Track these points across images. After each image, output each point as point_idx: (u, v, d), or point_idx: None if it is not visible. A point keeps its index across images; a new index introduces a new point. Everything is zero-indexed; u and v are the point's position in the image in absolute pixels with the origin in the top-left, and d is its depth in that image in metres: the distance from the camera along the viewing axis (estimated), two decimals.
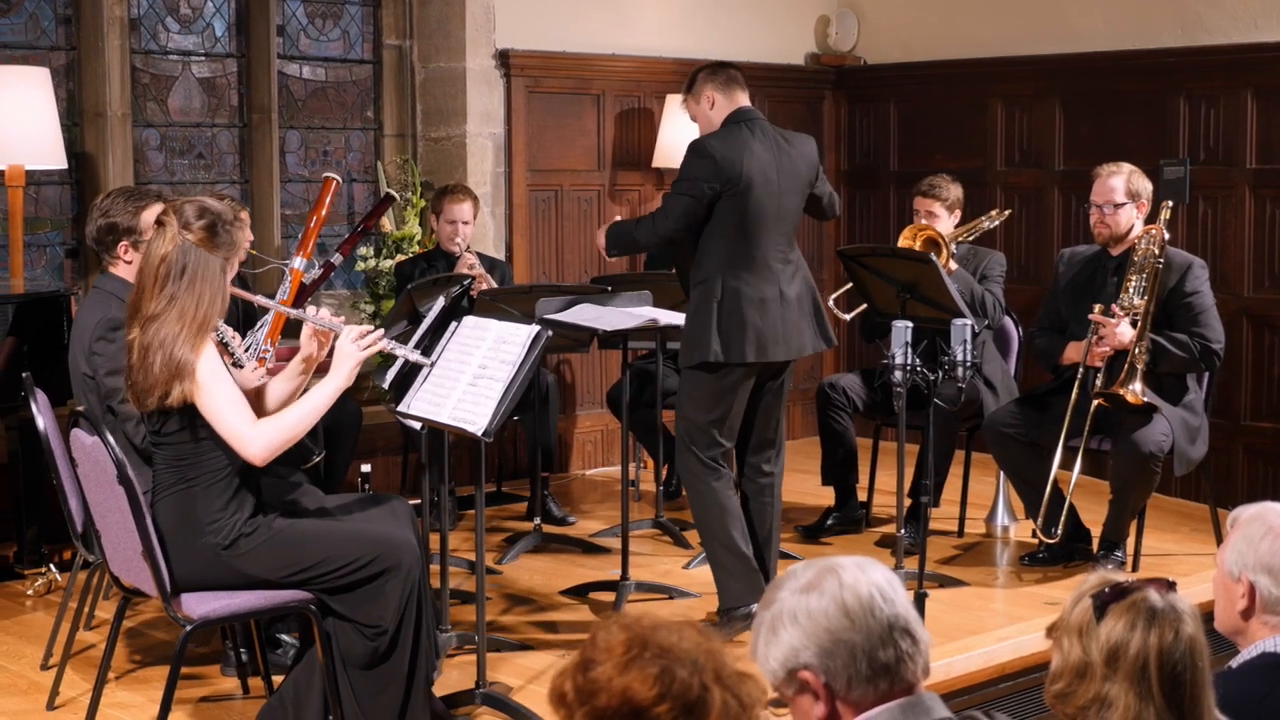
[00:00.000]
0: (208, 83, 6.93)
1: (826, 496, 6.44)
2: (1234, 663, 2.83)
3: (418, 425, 4.61)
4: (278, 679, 4.36)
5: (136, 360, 3.80)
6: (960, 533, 6.34)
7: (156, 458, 3.94)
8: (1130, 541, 5.73)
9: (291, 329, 5.07)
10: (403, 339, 5.07)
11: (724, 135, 4.99)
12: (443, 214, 6.49)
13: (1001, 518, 6.46)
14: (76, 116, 6.51)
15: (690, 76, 5.18)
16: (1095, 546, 5.75)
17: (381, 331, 4.01)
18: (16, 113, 5.81)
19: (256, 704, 4.32)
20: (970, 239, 6.34)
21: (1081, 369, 5.67)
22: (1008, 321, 6.41)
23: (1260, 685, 2.72)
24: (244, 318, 5.23)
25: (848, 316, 6.47)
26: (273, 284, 5.81)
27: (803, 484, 6.94)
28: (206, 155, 6.95)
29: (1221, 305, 5.87)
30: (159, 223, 3.90)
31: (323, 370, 4.07)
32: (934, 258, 5.67)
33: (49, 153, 5.92)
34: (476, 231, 6.85)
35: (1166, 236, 5.67)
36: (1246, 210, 6.87)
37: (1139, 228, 5.75)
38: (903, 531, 5.48)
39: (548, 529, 6.29)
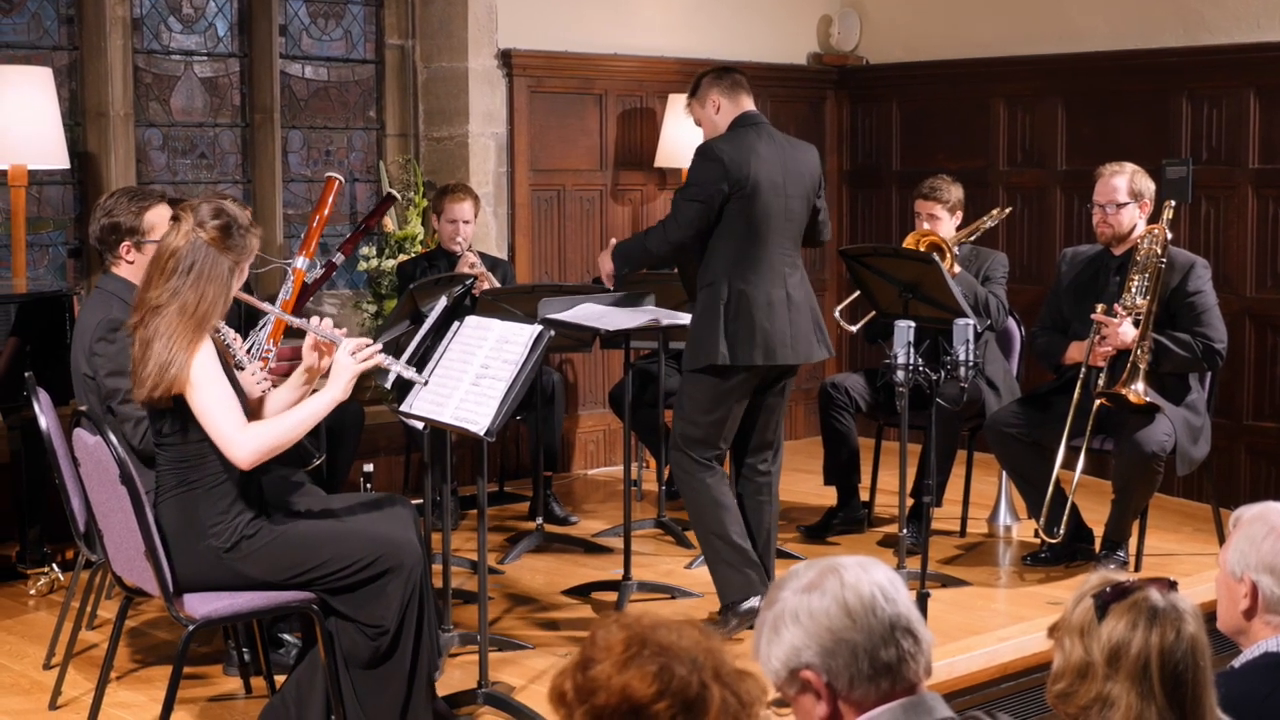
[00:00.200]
0: (210, 82, 6.93)
1: (828, 496, 6.44)
2: (1236, 663, 2.83)
3: (420, 425, 4.61)
4: (280, 679, 4.37)
5: (138, 352, 3.80)
6: (962, 532, 6.34)
7: (158, 459, 3.94)
8: (1132, 541, 5.73)
9: (294, 329, 5.08)
10: (405, 339, 5.08)
11: (731, 138, 4.99)
12: (444, 213, 6.50)
13: (1003, 517, 6.46)
14: (79, 116, 6.52)
15: (695, 80, 5.18)
16: (1097, 546, 5.75)
17: (379, 346, 4.00)
18: (19, 112, 5.81)
19: (259, 704, 4.32)
20: (972, 239, 6.34)
21: (1084, 369, 5.67)
22: (1010, 322, 6.40)
23: (1262, 685, 2.72)
24: (245, 318, 5.23)
25: (854, 328, 6.46)
26: (275, 284, 5.81)
27: (804, 484, 6.94)
28: (209, 155, 6.95)
29: (1224, 305, 5.87)
30: (174, 217, 3.91)
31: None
32: (935, 257, 5.67)
33: (51, 152, 5.92)
34: (479, 231, 6.86)
35: (1169, 236, 5.67)
36: (1249, 210, 6.87)
37: (1141, 227, 5.75)
38: (905, 531, 5.48)
39: (550, 529, 6.29)
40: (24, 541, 5.54)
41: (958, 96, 7.94)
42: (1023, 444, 5.75)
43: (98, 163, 6.50)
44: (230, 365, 4.02)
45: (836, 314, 6.39)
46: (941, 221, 6.20)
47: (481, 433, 4.09)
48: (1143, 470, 5.50)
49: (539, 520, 6.25)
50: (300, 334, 4.15)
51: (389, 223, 7.09)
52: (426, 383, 4.15)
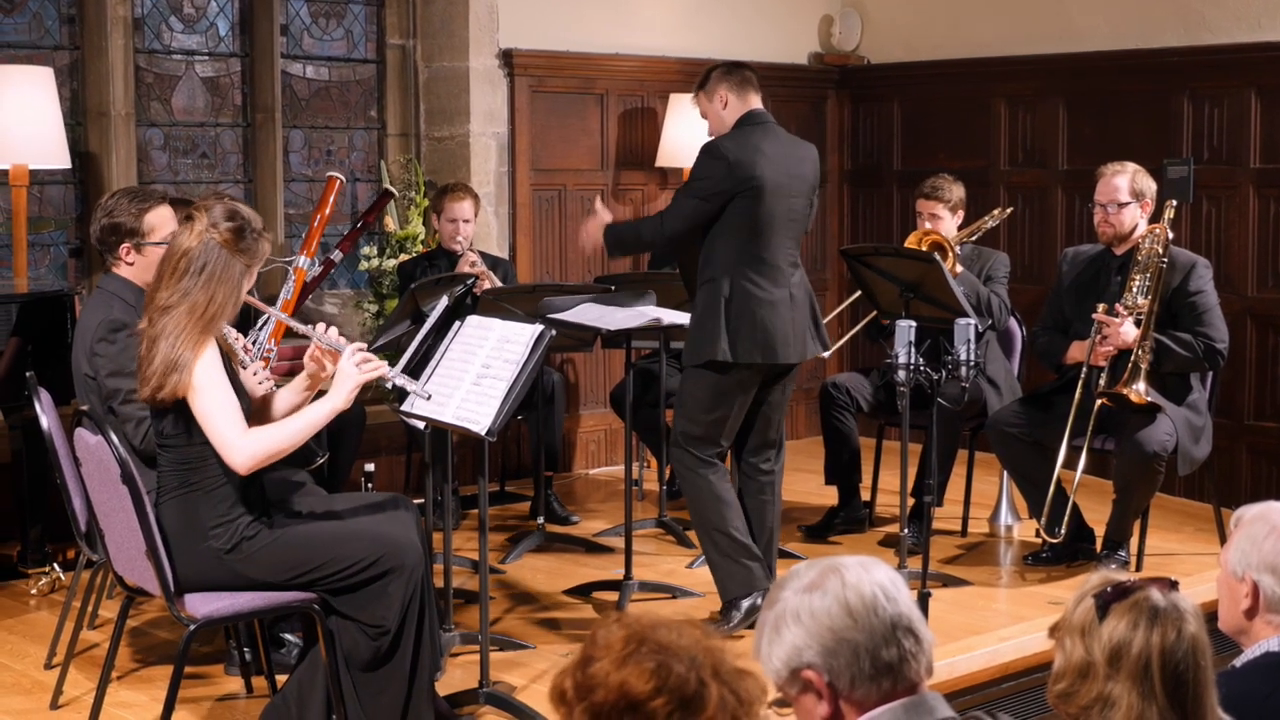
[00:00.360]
0: (211, 82, 6.94)
1: (829, 496, 6.44)
2: (1237, 662, 2.83)
3: (421, 425, 4.61)
4: (281, 678, 4.37)
5: (144, 350, 3.80)
6: (964, 532, 6.34)
7: (159, 460, 3.94)
8: (1133, 541, 5.73)
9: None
10: (406, 339, 5.08)
11: (736, 137, 4.99)
12: (444, 212, 6.50)
13: (1005, 517, 6.46)
14: (80, 116, 6.52)
15: (704, 73, 5.17)
16: (1099, 546, 5.75)
17: (384, 363, 3.99)
18: (20, 112, 5.82)
19: (260, 703, 4.32)
20: (973, 239, 6.34)
21: (1085, 368, 5.67)
22: (1012, 321, 6.40)
23: (1263, 685, 2.72)
24: (246, 316, 5.23)
25: (825, 354, 6.46)
26: (276, 283, 5.81)
27: (806, 484, 6.94)
28: (210, 155, 6.96)
29: (1225, 305, 5.87)
30: (188, 217, 3.91)
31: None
32: (937, 257, 5.67)
33: (53, 152, 5.92)
34: (480, 231, 6.86)
35: (1170, 236, 5.67)
36: (1250, 210, 6.87)
37: (1143, 227, 5.75)
38: (906, 531, 5.48)
39: (551, 528, 6.29)
40: (25, 541, 5.54)
41: (959, 96, 7.94)
42: (1024, 444, 5.75)
43: (99, 162, 6.50)
44: (235, 366, 4.02)
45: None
46: (943, 221, 6.20)
47: (483, 432, 4.09)
48: (1144, 470, 5.50)
49: (540, 520, 6.25)
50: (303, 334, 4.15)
51: (390, 222, 7.09)
52: (429, 397, 4.13)
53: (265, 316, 4.90)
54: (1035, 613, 5.20)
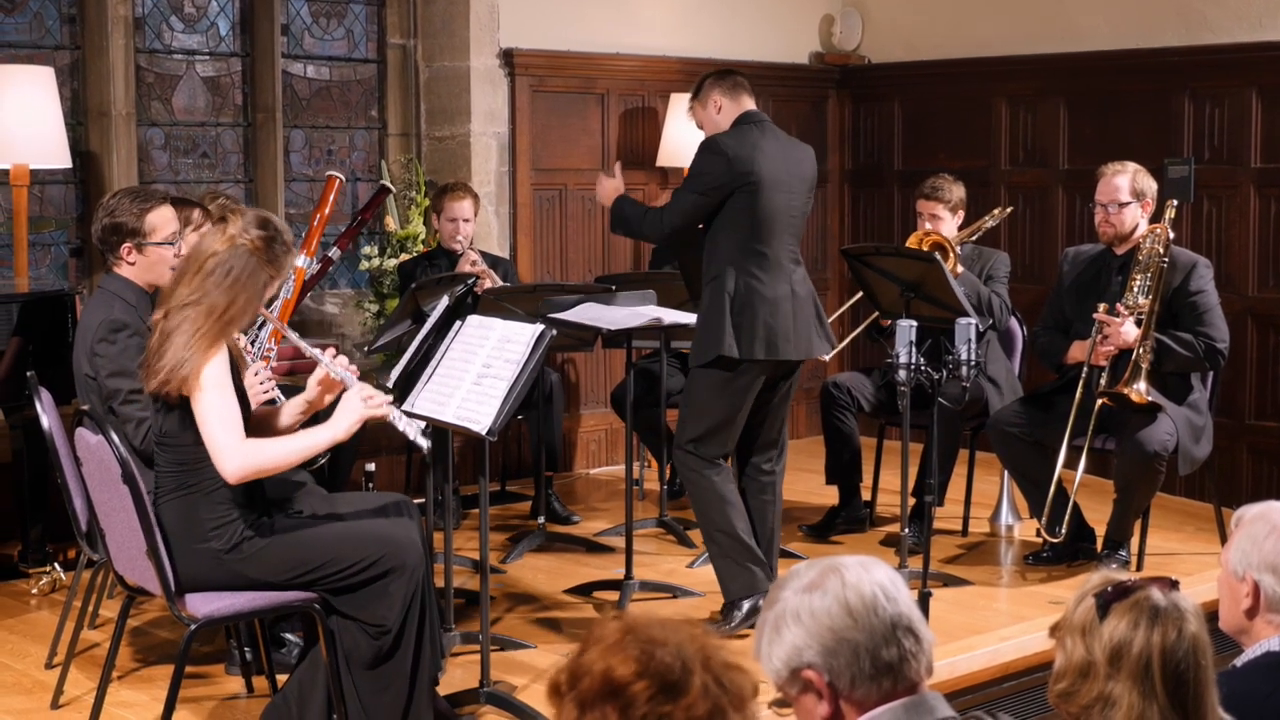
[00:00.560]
0: (212, 82, 6.94)
1: (830, 496, 6.44)
2: (1238, 662, 2.83)
3: (422, 424, 4.60)
4: (282, 678, 4.37)
5: (155, 342, 3.80)
6: (964, 532, 6.34)
7: (157, 460, 3.93)
8: (1134, 541, 5.73)
9: (295, 324, 5.08)
10: (407, 338, 5.08)
11: (735, 134, 5.02)
12: (443, 212, 6.50)
13: (1005, 517, 6.45)
14: (81, 115, 6.52)
15: (698, 82, 5.20)
16: (1099, 546, 5.75)
17: (390, 399, 3.98)
18: (21, 112, 5.82)
19: (261, 703, 4.32)
20: (974, 239, 6.34)
21: (1086, 368, 5.67)
22: (1012, 321, 6.40)
23: (1264, 684, 2.73)
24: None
25: (827, 357, 6.47)
26: None
27: (806, 483, 6.94)
28: (211, 154, 6.96)
29: (1226, 304, 5.87)
30: (221, 218, 3.91)
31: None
32: (938, 256, 5.67)
33: (53, 152, 5.92)
34: (481, 230, 6.86)
35: (1171, 235, 5.67)
36: (1251, 209, 6.87)
37: (1143, 227, 5.75)
38: (906, 531, 5.48)
39: (552, 528, 6.30)
40: (26, 541, 5.54)
41: (959, 96, 7.94)
42: (1025, 443, 5.75)
43: (99, 162, 6.51)
44: (241, 373, 4.01)
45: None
46: (943, 221, 6.20)
47: (484, 432, 4.09)
48: (1144, 470, 5.50)
49: (541, 519, 6.25)
50: (301, 331, 4.15)
51: (391, 222, 7.09)
52: (430, 445, 4.11)
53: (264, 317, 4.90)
54: (1036, 612, 5.20)
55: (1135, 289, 5.64)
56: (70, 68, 6.49)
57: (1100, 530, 5.77)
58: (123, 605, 4.18)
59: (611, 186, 5.26)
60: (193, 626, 3.87)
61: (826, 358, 5.56)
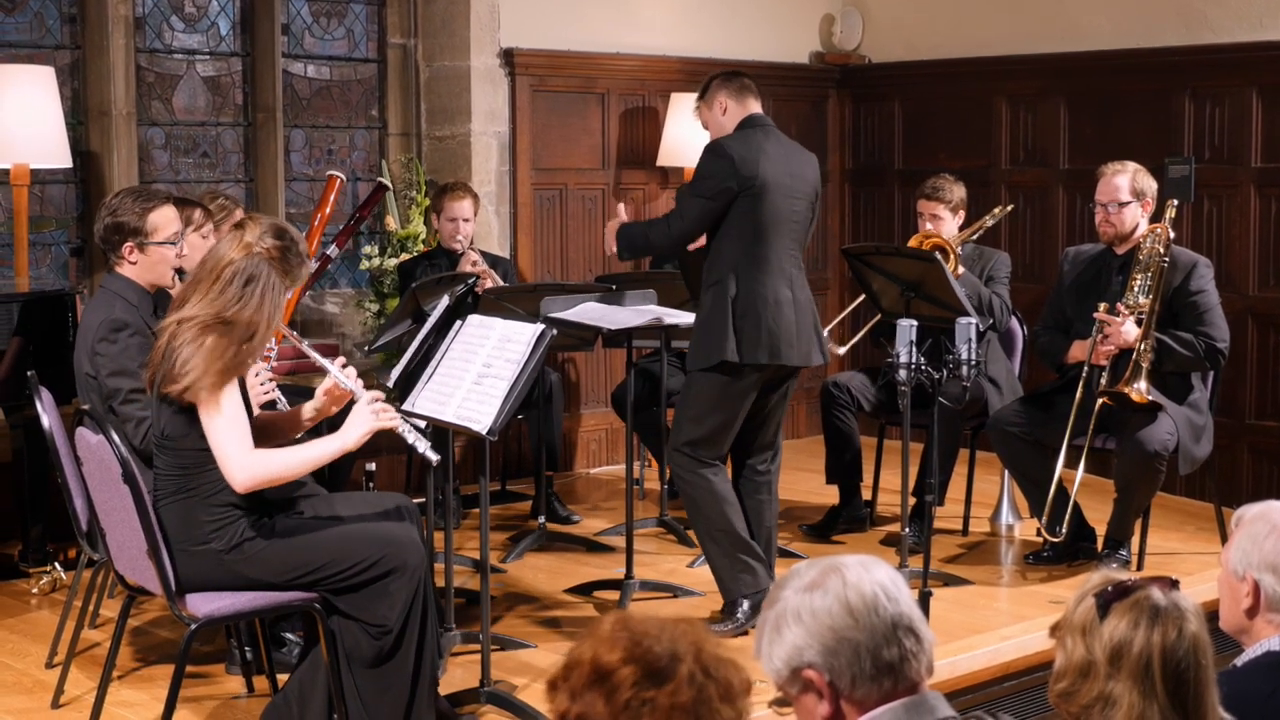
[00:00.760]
0: (212, 81, 6.94)
1: (830, 495, 6.43)
2: (1238, 661, 2.83)
3: (423, 424, 4.61)
4: (282, 677, 4.37)
5: (163, 342, 3.78)
6: (965, 531, 6.34)
7: (156, 462, 3.93)
8: (1135, 540, 5.73)
9: (295, 324, 5.08)
10: (407, 338, 5.08)
11: (739, 137, 5.02)
12: (443, 212, 6.50)
13: (1006, 516, 6.45)
14: (81, 115, 6.52)
15: (704, 83, 5.21)
16: (1100, 545, 5.75)
17: (398, 415, 3.98)
18: (21, 111, 5.82)
19: (261, 702, 4.32)
20: (974, 238, 6.34)
21: (1086, 368, 5.67)
22: (1013, 321, 6.40)
23: (1265, 684, 2.73)
24: None
25: (841, 350, 6.47)
26: None
27: (807, 483, 6.94)
28: (211, 154, 6.96)
29: (1226, 304, 5.87)
30: (239, 225, 3.90)
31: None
32: (938, 256, 5.67)
33: (54, 151, 5.92)
34: (481, 230, 6.86)
35: (1171, 235, 5.67)
36: (1251, 209, 6.87)
37: (1144, 226, 5.75)
38: (907, 530, 5.48)
39: (552, 527, 6.30)
40: (26, 540, 5.54)
41: (960, 95, 7.93)
42: (1025, 443, 5.75)
43: (100, 162, 6.51)
44: (245, 381, 4.01)
45: (825, 332, 6.41)
46: (944, 221, 6.20)
47: (484, 432, 4.09)
48: (1145, 469, 5.50)
49: (541, 519, 6.25)
50: (301, 331, 4.15)
51: (391, 221, 7.09)
52: (437, 459, 4.10)
53: None
54: (1036, 612, 5.20)
55: (1135, 288, 5.64)
56: (71, 67, 6.49)
57: (1101, 530, 5.77)
58: (123, 605, 4.18)
59: (612, 225, 5.25)
60: (193, 626, 3.87)
61: (826, 361, 5.56)
